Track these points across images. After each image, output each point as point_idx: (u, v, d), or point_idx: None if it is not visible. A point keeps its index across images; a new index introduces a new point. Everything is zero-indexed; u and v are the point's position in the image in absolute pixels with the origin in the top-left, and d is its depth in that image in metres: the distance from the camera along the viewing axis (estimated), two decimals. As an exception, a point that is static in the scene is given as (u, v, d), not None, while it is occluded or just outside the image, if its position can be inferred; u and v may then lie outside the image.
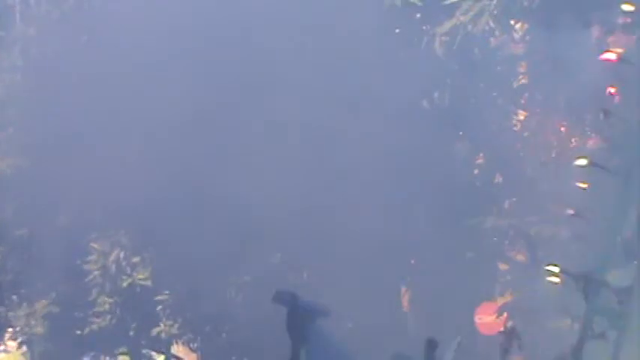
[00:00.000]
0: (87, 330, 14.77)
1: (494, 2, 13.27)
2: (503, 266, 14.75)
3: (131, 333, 15.12)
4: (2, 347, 18.19)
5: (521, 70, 14.19)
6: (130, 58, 14.04)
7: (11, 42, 14.76)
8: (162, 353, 16.95)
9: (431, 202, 13.72)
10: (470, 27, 13.37)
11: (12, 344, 17.63)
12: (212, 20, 14.29)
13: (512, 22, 13.95)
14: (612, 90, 13.21)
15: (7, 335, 17.03)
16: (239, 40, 14.43)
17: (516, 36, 14.10)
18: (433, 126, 13.88)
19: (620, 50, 13.22)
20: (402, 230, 13.75)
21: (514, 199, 14.50)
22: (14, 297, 15.23)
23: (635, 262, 13.07)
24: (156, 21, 14.15)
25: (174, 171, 13.80)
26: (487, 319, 14.64)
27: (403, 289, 15.01)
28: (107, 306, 14.45)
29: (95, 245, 14.26)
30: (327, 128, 14.03)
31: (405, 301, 15.05)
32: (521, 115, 14.87)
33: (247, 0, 14.57)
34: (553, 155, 14.78)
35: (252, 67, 14.21)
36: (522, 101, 14.67)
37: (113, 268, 14.26)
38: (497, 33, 13.86)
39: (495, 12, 13.41)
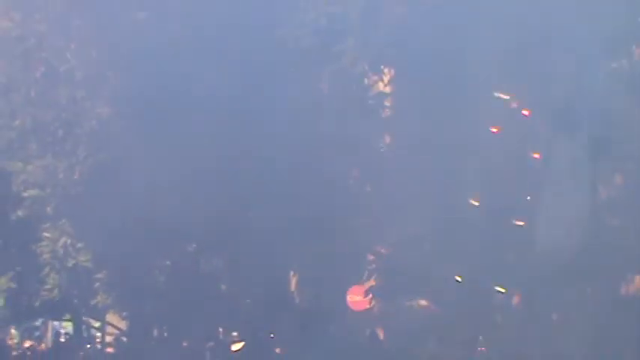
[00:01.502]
0: (38, 301, 15.38)
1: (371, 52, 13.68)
2: (370, 257, 15.10)
3: (75, 303, 15.96)
4: None
5: (387, 104, 14.53)
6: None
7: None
8: (99, 320, 17.79)
9: (316, 208, 14.10)
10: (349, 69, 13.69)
11: None
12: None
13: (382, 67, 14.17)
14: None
15: None
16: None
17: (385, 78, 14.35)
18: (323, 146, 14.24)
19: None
20: (292, 228, 14.12)
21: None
22: None
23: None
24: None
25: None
26: (357, 299, 15.36)
27: (291, 273, 15.65)
28: (55, 282, 14.89)
29: (47, 234, 14.83)
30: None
31: (293, 283, 15.75)
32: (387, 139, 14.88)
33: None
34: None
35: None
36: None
37: (61, 251, 14.75)
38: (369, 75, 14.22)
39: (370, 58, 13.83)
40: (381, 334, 15.58)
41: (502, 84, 13.39)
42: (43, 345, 18.17)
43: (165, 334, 16.41)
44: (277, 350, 14.89)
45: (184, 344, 15.45)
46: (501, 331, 14.54)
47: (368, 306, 15.26)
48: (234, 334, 15.59)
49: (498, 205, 13.75)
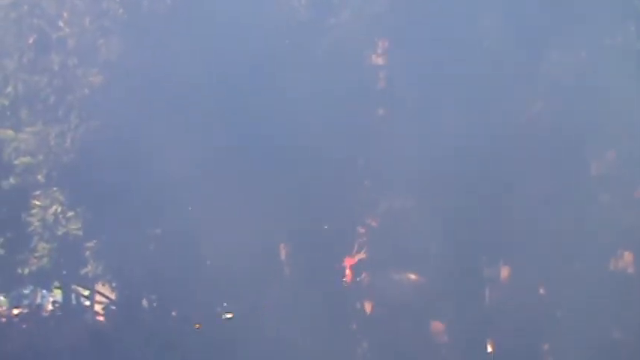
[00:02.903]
0: (27, 269, 14.95)
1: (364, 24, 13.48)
2: (361, 230, 14.90)
3: (64, 272, 15.48)
4: None
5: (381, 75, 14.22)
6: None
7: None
8: (88, 289, 17.40)
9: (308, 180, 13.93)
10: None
11: None
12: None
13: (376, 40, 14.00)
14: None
15: None
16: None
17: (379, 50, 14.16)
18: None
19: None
20: (283, 199, 13.95)
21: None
22: None
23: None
24: None
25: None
26: (347, 271, 15.01)
27: (281, 245, 15.19)
28: (45, 250, 14.53)
29: (37, 201, 14.38)
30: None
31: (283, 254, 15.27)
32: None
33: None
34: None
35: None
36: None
37: (51, 220, 14.33)
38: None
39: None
40: (368, 307, 15.20)
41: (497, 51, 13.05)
42: (31, 312, 17.62)
43: (155, 304, 15.91)
44: (266, 320, 14.50)
45: (173, 313, 15.15)
46: (490, 304, 14.40)
47: (357, 278, 15.02)
48: (225, 304, 15.29)
49: (491, 178, 13.43)
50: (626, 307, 13.44)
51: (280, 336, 13.97)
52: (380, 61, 14.19)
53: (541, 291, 14.24)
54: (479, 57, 13.11)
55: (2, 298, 18.55)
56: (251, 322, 14.41)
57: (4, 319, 16.25)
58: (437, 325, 14.25)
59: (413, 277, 14.87)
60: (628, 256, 14.30)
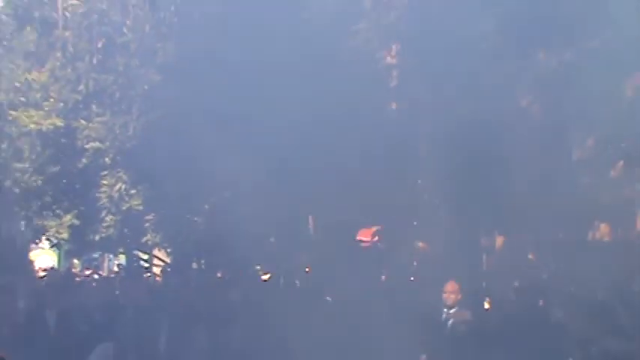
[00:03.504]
0: (97, 237, 15.95)
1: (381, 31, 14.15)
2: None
3: (127, 240, 16.56)
4: (40, 246, 19.86)
5: (394, 74, 14.93)
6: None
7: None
8: (147, 254, 18.42)
9: (331, 160, 14.34)
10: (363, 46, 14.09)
11: (46, 244, 19.55)
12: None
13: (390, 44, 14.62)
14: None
15: (43, 238, 18.27)
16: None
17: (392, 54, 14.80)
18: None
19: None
20: (312, 177, 14.28)
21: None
22: (49, 213, 16.45)
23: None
24: None
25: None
26: (364, 239, 15.85)
27: (310, 217, 15.99)
28: (112, 222, 15.59)
29: (104, 181, 15.44)
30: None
31: (311, 225, 16.16)
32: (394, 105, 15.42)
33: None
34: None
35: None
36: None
37: (116, 196, 15.36)
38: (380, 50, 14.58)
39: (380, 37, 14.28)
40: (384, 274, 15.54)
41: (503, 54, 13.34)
42: (101, 273, 18.68)
43: (203, 267, 16.98)
44: (297, 282, 14.91)
45: (218, 275, 15.86)
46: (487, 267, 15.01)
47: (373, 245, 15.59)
48: (258, 267, 15.94)
49: (499, 157, 13.65)
50: (604, 270, 13.55)
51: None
52: (393, 61, 14.90)
53: (530, 257, 14.80)
54: (478, 58, 13.51)
55: (76, 261, 19.41)
56: (284, 283, 14.82)
57: (78, 279, 16.92)
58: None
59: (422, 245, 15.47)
60: (604, 227, 15.16)
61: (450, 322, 12.09)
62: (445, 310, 12.12)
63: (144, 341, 12.98)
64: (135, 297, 14.27)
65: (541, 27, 13.37)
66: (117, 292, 15.04)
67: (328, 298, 14.17)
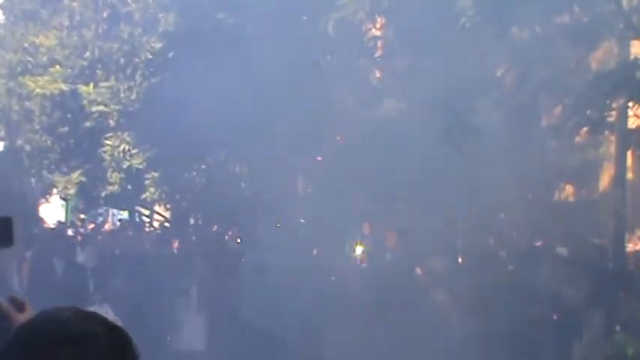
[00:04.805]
0: (102, 193, 16.23)
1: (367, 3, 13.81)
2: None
3: (129, 195, 16.64)
4: (49, 200, 20.10)
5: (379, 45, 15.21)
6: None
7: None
8: (148, 210, 18.73)
9: (316, 128, 14.90)
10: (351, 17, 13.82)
11: (55, 199, 19.94)
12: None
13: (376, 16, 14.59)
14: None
15: (53, 193, 18.79)
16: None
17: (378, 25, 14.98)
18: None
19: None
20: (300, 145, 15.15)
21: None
22: (58, 170, 16.55)
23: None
24: None
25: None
26: None
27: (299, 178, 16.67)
28: (115, 179, 15.84)
29: (109, 141, 15.70)
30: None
31: (300, 186, 16.66)
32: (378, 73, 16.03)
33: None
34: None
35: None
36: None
37: (120, 156, 15.61)
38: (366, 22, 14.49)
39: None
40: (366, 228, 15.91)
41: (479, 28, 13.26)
42: (105, 227, 19.07)
43: (200, 222, 17.56)
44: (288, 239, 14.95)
45: (214, 229, 16.32)
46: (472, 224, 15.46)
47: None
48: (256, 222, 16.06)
49: (474, 123, 13.59)
50: (568, 227, 14.49)
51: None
52: (378, 33, 15.23)
53: (502, 216, 15.46)
54: (457, 31, 13.34)
55: (82, 216, 19.70)
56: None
57: (83, 231, 17.50)
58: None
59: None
60: (569, 188, 15.74)
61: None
62: None
63: (143, 290, 13.43)
64: (135, 249, 14.80)
65: (515, 3, 13.30)
66: (119, 245, 15.65)
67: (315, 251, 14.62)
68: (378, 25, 15.30)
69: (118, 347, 1.93)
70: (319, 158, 16.13)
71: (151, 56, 15.24)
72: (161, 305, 13.21)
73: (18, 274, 14.05)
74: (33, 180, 18.18)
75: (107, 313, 10.53)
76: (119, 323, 2.02)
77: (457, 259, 14.76)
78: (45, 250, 14.49)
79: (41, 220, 17.93)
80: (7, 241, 2.85)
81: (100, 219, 20.69)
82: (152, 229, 17.99)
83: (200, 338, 13.72)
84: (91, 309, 2.06)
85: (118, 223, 19.65)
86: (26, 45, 16.17)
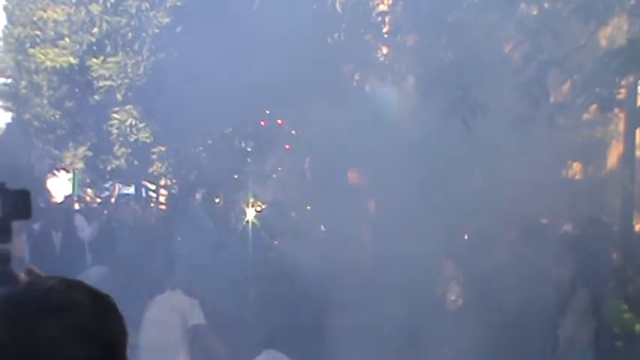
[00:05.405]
0: (109, 167, 16.26)
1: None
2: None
3: (136, 170, 16.67)
4: (56, 174, 20.01)
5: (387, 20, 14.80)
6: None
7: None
8: (154, 184, 18.69)
9: (320, 100, 14.23)
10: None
11: (62, 173, 19.99)
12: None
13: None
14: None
15: (59, 167, 18.83)
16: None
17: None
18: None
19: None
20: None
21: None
22: (65, 145, 16.77)
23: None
24: None
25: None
26: (353, 176, 15.54)
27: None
28: (123, 153, 15.83)
29: (116, 115, 15.61)
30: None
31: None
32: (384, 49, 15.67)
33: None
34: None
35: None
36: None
37: (127, 130, 15.54)
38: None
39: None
40: (372, 205, 15.81)
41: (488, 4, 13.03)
42: (111, 200, 18.97)
43: (205, 196, 17.13)
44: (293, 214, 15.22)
45: (217, 200, 16.45)
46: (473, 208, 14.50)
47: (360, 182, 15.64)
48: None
49: (482, 100, 12.97)
50: (575, 205, 14.38)
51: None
52: (386, 8, 14.93)
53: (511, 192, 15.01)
54: (465, 7, 13.14)
55: (89, 189, 19.67)
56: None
57: (90, 204, 17.38)
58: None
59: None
60: (577, 166, 15.50)
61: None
62: None
63: (147, 261, 13.32)
64: (142, 221, 14.73)
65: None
66: (125, 216, 15.44)
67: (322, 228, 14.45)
68: (385, 0, 15.04)
69: (102, 315, 1.95)
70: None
71: (158, 31, 15.09)
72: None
73: (29, 245, 13.90)
74: (40, 154, 18.10)
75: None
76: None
77: (463, 237, 14.49)
78: (52, 223, 14.33)
79: (48, 192, 17.85)
80: (26, 213, 2.93)
81: (107, 193, 20.53)
82: (158, 203, 18.16)
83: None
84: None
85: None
86: (35, 19, 15.93)
